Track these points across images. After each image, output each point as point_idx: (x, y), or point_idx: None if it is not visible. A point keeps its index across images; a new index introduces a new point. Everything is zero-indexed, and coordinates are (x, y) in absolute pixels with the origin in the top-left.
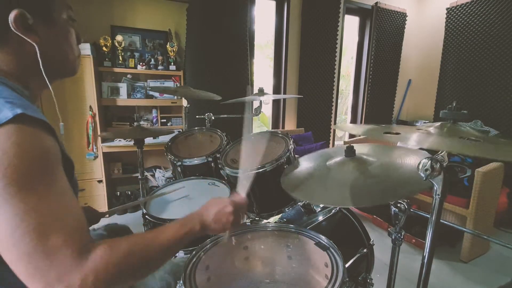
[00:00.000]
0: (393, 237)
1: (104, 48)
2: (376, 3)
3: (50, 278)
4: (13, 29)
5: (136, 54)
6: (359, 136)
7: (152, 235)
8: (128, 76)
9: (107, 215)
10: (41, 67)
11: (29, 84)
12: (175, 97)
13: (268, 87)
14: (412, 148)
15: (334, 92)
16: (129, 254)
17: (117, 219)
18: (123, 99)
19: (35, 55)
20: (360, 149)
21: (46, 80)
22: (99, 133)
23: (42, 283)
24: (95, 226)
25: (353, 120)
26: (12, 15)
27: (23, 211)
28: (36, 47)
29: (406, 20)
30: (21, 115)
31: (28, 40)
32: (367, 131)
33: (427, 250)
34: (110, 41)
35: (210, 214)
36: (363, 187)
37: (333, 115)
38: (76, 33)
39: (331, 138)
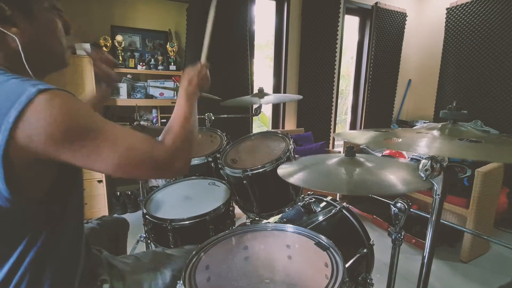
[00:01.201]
0: (393, 237)
1: (104, 48)
2: (376, 3)
3: (151, 166)
4: None
5: (136, 54)
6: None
7: (175, 118)
8: (128, 76)
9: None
10: (23, 59)
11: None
12: (175, 97)
13: (268, 87)
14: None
15: (334, 92)
16: (181, 129)
17: None
18: (123, 99)
19: (18, 48)
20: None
21: (30, 72)
22: None
23: (150, 169)
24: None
25: (353, 120)
26: None
27: (110, 139)
28: (17, 39)
29: (406, 20)
30: (44, 90)
31: (8, 33)
32: (368, 139)
33: (427, 250)
34: (110, 41)
35: (189, 84)
36: (359, 179)
37: (333, 115)
38: (64, 23)
39: (331, 138)
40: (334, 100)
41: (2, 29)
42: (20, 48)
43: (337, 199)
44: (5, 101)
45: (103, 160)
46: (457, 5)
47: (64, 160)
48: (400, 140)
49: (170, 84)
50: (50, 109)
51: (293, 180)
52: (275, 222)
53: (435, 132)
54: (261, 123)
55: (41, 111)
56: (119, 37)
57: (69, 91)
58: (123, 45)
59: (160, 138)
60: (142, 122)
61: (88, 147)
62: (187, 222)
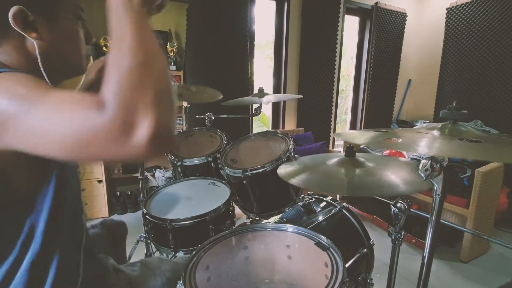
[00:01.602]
0: (393, 237)
1: (104, 48)
2: (376, 3)
3: (101, 145)
4: (12, 25)
5: None
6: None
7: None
8: None
9: None
10: (40, 64)
11: None
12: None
13: (268, 87)
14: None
15: (334, 92)
16: (132, 65)
17: (117, 218)
18: None
19: (35, 52)
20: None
21: (46, 78)
22: None
23: (112, 143)
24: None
25: (353, 120)
26: (11, 12)
27: (44, 112)
28: (36, 44)
29: (406, 20)
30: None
31: (28, 37)
32: (368, 140)
33: (427, 250)
34: (110, 41)
35: None
36: (360, 180)
37: (333, 115)
38: (85, 33)
39: (331, 138)
40: (334, 100)
41: (22, 33)
42: (37, 53)
43: (337, 199)
44: None
45: (42, 144)
46: (457, 5)
47: (13, 144)
48: (400, 140)
49: None
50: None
51: (293, 181)
52: (275, 222)
53: (435, 132)
54: (261, 123)
55: None
56: None
57: (20, 72)
58: None
59: (106, 95)
60: None
61: (19, 128)
62: (187, 222)
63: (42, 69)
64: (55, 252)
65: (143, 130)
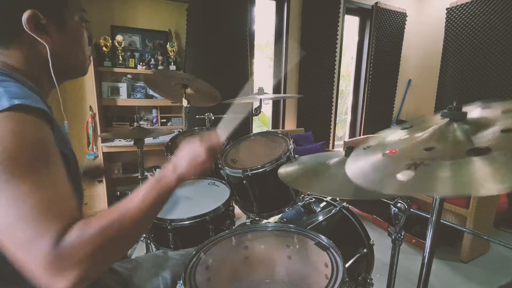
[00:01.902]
0: (393, 237)
1: (104, 48)
2: (376, 3)
3: (35, 266)
4: (26, 29)
5: (136, 54)
6: (361, 141)
7: (127, 201)
8: (128, 76)
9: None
10: (51, 67)
11: (41, 83)
12: None
13: (268, 87)
14: None
15: (334, 92)
16: (106, 227)
17: None
18: (123, 99)
19: (46, 55)
20: None
21: (54, 79)
22: (99, 133)
23: (33, 269)
24: None
25: (353, 120)
26: (25, 15)
27: (12, 198)
28: (48, 47)
29: (406, 20)
30: (18, 105)
31: (40, 40)
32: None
33: (427, 250)
34: (110, 41)
35: (183, 165)
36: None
37: (333, 115)
38: (88, 34)
39: (331, 138)
40: (334, 100)
41: (36, 37)
42: (49, 56)
43: (337, 199)
44: None
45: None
46: (457, 5)
47: None
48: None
49: None
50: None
51: (294, 185)
52: (275, 222)
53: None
54: (261, 123)
55: None
56: (119, 37)
57: (45, 116)
58: (123, 45)
59: (85, 220)
60: (142, 122)
61: None
62: (187, 222)
63: (52, 72)
64: None
65: (71, 279)
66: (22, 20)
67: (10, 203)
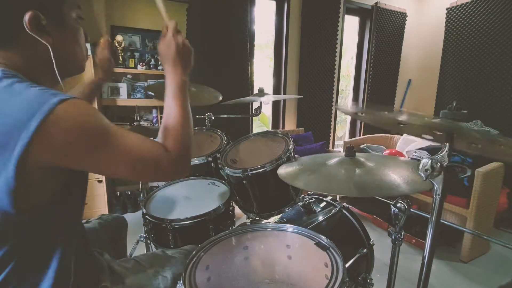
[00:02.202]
0: (393, 237)
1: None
2: (376, 3)
3: (159, 170)
4: (27, 30)
5: (136, 54)
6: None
7: (179, 113)
8: (128, 76)
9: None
10: (55, 67)
11: (41, 82)
12: None
13: (268, 87)
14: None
15: (334, 92)
16: (182, 133)
17: None
18: (123, 99)
19: (48, 54)
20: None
21: (59, 78)
22: None
23: (158, 173)
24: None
25: (353, 120)
26: (26, 16)
27: (122, 144)
28: (50, 47)
29: (406, 20)
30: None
31: (42, 40)
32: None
33: (427, 250)
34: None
35: (179, 71)
36: (361, 181)
37: (333, 115)
38: (84, 31)
39: (331, 138)
40: (334, 100)
41: (38, 38)
42: (52, 57)
43: (337, 199)
44: (26, 110)
45: (116, 166)
46: (457, 5)
47: (78, 168)
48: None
49: None
50: (71, 119)
51: (294, 183)
52: (275, 222)
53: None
54: (261, 123)
55: (62, 121)
56: (119, 37)
57: (83, 100)
58: (123, 45)
59: (159, 139)
60: (142, 122)
61: (103, 155)
62: (187, 222)
63: (56, 71)
64: (55, 250)
65: (184, 168)
66: (24, 22)
67: (127, 144)
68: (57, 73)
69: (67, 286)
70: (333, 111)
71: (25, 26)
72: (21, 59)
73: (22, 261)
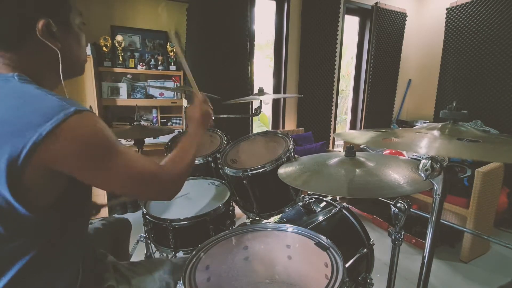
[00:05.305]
0: (393, 237)
1: (104, 48)
2: (376, 3)
3: (154, 186)
4: (39, 36)
5: (136, 54)
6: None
7: (189, 153)
8: (128, 76)
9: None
10: (61, 70)
11: (42, 83)
12: (175, 97)
13: (268, 87)
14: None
15: (334, 92)
16: (186, 165)
17: None
18: (123, 99)
19: (54, 57)
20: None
21: (62, 81)
22: None
23: (152, 189)
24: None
25: (353, 120)
26: (39, 24)
27: (125, 160)
28: (58, 51)
29: (406, 20)
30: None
31: (52, 46)
32: (367, 140)
33: (427, 250)
34: (110, 41)
35: (199, 129)
36: (361, 181)
37: (333, 115)
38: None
39: (331, 138)
40: (334, 100)
41: (49, 44)
42: (60, 62)
43: (337, 199)
44: (44, 114)
45: (115, 181)
46: (457, 5)
47: (80, 178)
48: (399, 140)
49: (170, 84)
50: (82, 130)
51: (294, 184)
52: (275, 222)
53: (435, 132)
54: (261, 123)
55: (73, 131)
56: (119, 37)
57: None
58: (123, 45)
59: (165, 163)
60: (142, 122)
61: (106, 169)
62: (187, 222)
63: (61, 75)
64: (64, 249)
65: (177, 190)
66: (36, 29)
67: (129, 160)
68: (61, 76)
69: (75, 285)
70: (333, 111)
71: (37, 33)
72: (27, 62)
73: (34, 259)
